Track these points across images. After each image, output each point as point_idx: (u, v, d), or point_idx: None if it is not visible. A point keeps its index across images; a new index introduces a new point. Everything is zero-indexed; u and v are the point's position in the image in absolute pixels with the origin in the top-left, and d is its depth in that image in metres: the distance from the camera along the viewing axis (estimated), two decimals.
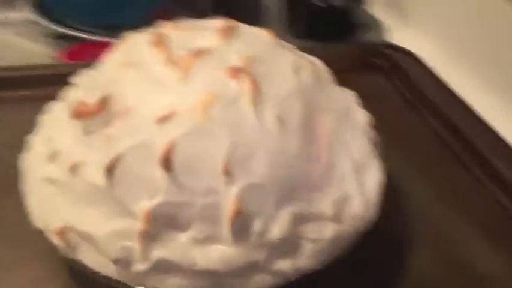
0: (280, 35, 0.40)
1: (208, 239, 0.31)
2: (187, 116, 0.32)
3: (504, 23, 0.54)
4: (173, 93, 0.33)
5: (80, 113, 0.34)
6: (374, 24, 0.69)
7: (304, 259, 0.32)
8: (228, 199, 0.31)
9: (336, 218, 0.33)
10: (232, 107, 0.32)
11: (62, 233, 0.33)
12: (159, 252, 0.31)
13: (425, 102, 0.54)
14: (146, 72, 0.34)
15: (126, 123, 0.32)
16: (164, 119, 0.32)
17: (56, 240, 0.33)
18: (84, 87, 0.38)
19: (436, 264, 0.39)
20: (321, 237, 0.33)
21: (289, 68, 0.36)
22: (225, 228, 0.31)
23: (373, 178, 0.36)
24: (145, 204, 0.31)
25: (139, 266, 0.31)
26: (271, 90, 0.34)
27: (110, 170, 0.31)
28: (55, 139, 0.36)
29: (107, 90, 0.34)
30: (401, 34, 0.66)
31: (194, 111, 0.32)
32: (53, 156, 0.35)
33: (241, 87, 0.33)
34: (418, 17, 0.67)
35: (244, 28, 0.39)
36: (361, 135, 0.38)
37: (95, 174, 0.32)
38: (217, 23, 0.39)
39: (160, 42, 0.36)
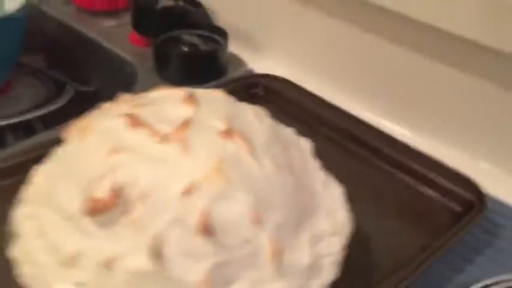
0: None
1: (257, 283, 0.35)
2: (207, 184, 0.35)
3: (344, 41, 0.67)
4: (183, 166, 0.36)
5: (96, 210, 0.34)
6: (236, 61, 0.77)
7: (326, 274, 0.38)
8: (264, 243, 0.35)
9: (334, 231, 0.40)
10: (239, 165, 0.37)
11: None
12: None
13: (309, 114, 0.63)
14: (143, 154, 0.36)
15: (151, 205, 0.34)
16: (188, 192, 0.34)
17: None
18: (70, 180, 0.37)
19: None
20: (333, 250, 0.39)
21: (254, 117, 0.42)
22: (268, 268, 0.35)
23: (337, 190, 0.44)
24: (199, 272, 0.33)
25: None
26: (255, 140, 0.39)
27: (156, 251, 0.33)
28: (62, 244, 0.35)
29: (110, 180, 0.35)
30: (260, 65, 0.75)
31: (211, 178, 0.35)
32: (70, 262, 0.35)
33: (237, 145, 0.37)
34: (271, 48, 0.77)
35: (199, 92, 0.43)
36: (312, 160, 0.45)
37: (139, 261, 0.33)
38: (172, 92, 0.42)
39: (136, 122, 0.38)
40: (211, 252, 0.34)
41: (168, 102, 0.41)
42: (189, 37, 0.73)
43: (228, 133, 0.38)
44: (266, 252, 0.35)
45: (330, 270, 0.38)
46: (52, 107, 0.77)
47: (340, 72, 0.71)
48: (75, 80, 0.84)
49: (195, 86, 0.67)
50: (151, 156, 0.36)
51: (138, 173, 0.35)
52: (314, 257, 0.38)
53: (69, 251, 0.35)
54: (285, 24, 0.75)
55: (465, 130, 0.61)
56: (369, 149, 0.58)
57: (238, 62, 0.76)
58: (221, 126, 0.38)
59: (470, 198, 0.51)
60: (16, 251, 0.37)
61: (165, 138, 0.37)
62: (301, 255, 0.37)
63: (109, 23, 0.86)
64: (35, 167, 0.41)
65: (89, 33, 0.83)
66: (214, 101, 0.42)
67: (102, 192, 0.35)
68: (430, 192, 0.54)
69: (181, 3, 0.78)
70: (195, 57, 0.70)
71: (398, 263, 0.44)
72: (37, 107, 0.76)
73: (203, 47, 0.71)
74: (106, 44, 0.80)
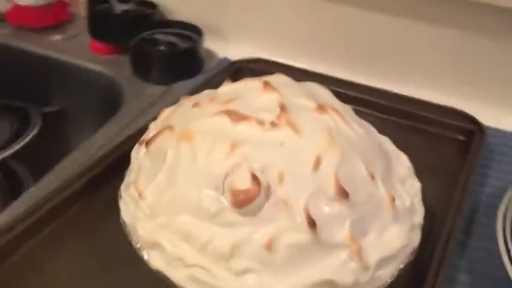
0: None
1: (383, 230, 0.41)
2: (328, 155, 0.39)
3: (305, 9, 0.73)
4: (302, 145, 0.40)
5: (245, 201, 0.37)
6: (207, 53, 0.79)
7: (419, 211, 0.45)
8: (383, 194, 0.41)
9: (409, 173, 0.47)
10: (341, 133, 0.42)
11: None
12: (374, 256, 0.39)
13: None
14: (262, 142, 0.40)
15: (290, 184, 0.38)
16: (317, 166, 0.39)
17: None
18: None
19: None
20: (416, 189, 0.46)
21: (323, 91, 0.47)
22: (387, 216, 0.41)
23: (389, 141, 0.50)
24: (344, 231, 0.38)
25: (365, 277, 0.38)
26: (340, 110, 0.44)
27: (310, 223, 0.37)
28: (213, 241, 0.38)
29: (245, 171, 0.38)
30: (231, 52, 0.78)
31: (329, 149, 0.40)
32: (230, 255, 0.37)
33: (332, 117, 0.42)
34: (237, 34, 0.80)
35: (269, 79, 0.46)
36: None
37: (297, 235, 0.37)
38: (246, 84, 0.45)
39: (239, 116, 0.41)
40: (348, 213, 0.39)
41: (250, 94, 0.44)
42: (163, 36, 0.74)
43: (322, 108, 0.42)
44: (385, 201, 0.41)
45: (420, 207, 0.45)
46: (23, 140, 0.73)
47: (309, 40, 0.77)
48: (37, 103, 0.79)
49: (177, 82, 0.71)
50: (270, 143, 0.40)
51: (267, 160, 0.39)
52: (410, 198, 0.44)
53: (226, 245, 0.37)
54: (244, 8, 0.79)
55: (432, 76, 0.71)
56: (373, 107, 0.65)
57: (210, 54, 0.78)
58: (312, 104, 0.43)
59: (470, 128, 0.61)
60: (159, 261, 0.39)
61: (274, 125, 0.40)
62: (404, 199, 0.43)
63: (55, 37, 0.83)
64: (141, 182, 0.42)
65: (41, 51, 0.79)
66: (285, 84, 0.46)
67: (243, 184, 0.37)
68: (435, 129, 0.63)
69: (136, 6, 0.78)
70: (176, 55, 0.71)
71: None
72: (6, 144, 0.72)
73: (182, 44, 0.73)
74: (66, 58, 0.78)
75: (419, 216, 0.44)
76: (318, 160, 0.39)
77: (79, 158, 0.57)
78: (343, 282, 0.37)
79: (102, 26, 0.77)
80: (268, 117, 0.41)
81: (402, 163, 0.47)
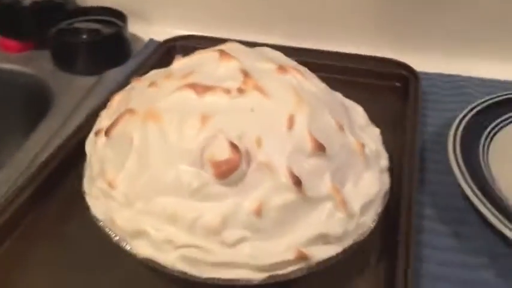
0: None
1: (358, 178, 0.42)
2: (299, 113, 0.40)
3: None
4: (272, 107, 0.40)
5: (227, 171, 0.36)
6: (133, 38, 0.76)
7: (384, 154, 0.46)
8: (352, 142, 0.42)
9: (366, 122, 0.48)
10: (305, 89, 0.42)
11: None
12: (356, 204, 0.40)
13: None
14: (232, 111, 0.39)
15: (269, 147, 0.38)
16: (291, 125, 0.39)
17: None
18: None
19: None
20: (377, 136, 0.47)
21: (276, 53, 0.47)
22: (359, 163, 0.42)
23: (339, 95, 0.52)
24: (326, 184, 0.39)
25: (352, 225, 0.39)
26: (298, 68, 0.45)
27: (296, 181, 0.37)
28: (202, 218, 0.37)
29: (222, 141, 0.37)
30: (155, 33, 0.76)
31: (299, 107, 0.40)
32: (221, 228, 0.36)
33: (294, 76, 0.43)
34: (156, 15, 0.77)
35: (223, 48, 0.45)
36: None
37: (285, 195, 0.37)
38: (202, 56, 0.44)
39: (203, 88, 0.40)
40: (326, 165, 0.39)
41: (207, 65, 0.43)
42: (84, 24, 0.69)
43: (283, 69, 0.42)
44: (356, 149, 0.42)
45: (384, 151, 0.47)
46: None
47: (230, 11, 0.76)
48: None
49: (107, 71, 0.67)
50: (240, 110, 0.39)
51: (241, 127, 0.38)
52: (374, 143, 0.46)
53: (216, 219, 0.36)
54: None
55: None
56: (312, 68, 0.66)
57: (135, 37, 0.75)
58: (272, 66, 0.43)
59: (405, 74, 0.64)
60: (146, 248, 0.37)
61: (240, 91, 0.40)
62: (370, 145, 0.44)
63: None
64: (109, 172, 0.40)
65: None
66: (239, 51, 0.45)
67: (223, 154, 0.37)
68: (373, 80, 0.65)
69: None
70: (102, 42, 0.68)
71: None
72: None
73: (106, 30, 0.69)
74: None
75: (385, 160, 0.46)
76: (290, 119, 0.39)
77: (15, 169, 0.53)
78: (334, 233, 0.38)
79: (11, 21, 0.70)
80: (233, 84, 0.40)
81: (359, 113, 0.49)
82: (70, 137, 0.52)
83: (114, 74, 0.68)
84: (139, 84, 0.44)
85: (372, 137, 0.46)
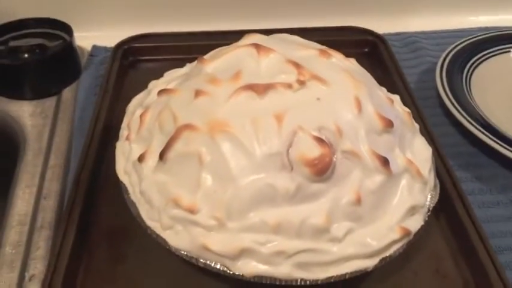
0: None
1: (410, 145, 0.43)
2: (360, 94, 0.39)
3: None
4: (336, 93, 0.39)
5: (324, 167, 0.35)
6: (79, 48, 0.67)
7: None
8: (401, 111, 0.43)
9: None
10: (351, 68, 0.41)
11: None
12: (424, 170, 0.41)
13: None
14: (301, 104, 0.38)
15: (348, 133, 0.37)
16: (359, 108, 0.38)
17: None
18: None
19: None
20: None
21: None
22: (410, 129, 0.43)
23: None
24: (401, 158, 0.39)
25: (427, 190, 0.40)
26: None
27: (384, 161, 0.37)
28: (307, 218, 0.35)
29: (307, 137, 0.36)
30: (99, 40, 0.68)
31: (358, 88, 0.40)
32: (329, 223, 0.35)
33: (337, 57, 0.42)
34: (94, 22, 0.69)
35: (250, 40, 0.43)
36: None
37: (376, 179, 0.37)
38: (233, 54, 0.41)
39: (262, 88, 0.38)
40: (393, 139, 0.40)
41: (246, 62, 0.40)
42: (23, 41, 0.60)
43: (324, 52, 0.41)
44: (405, 118, 0.43)
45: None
46: None
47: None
48: None
49: (63, 89, 0.60)
50: (308, 102, 0.38)
51: (316, 118, 0.37)
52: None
53: (322, 218, 0.35)
54: None
55: None
56: None
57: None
58: (312, 51, 0.41)
59: (372, 40, 0.66)
60: (254, 266, 0.35)
61: (301, 83, 0.38)
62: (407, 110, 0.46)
63: None
64: (183, 197, 0.36)
65: None
66: (267, 41, 0.43)
67: (312, 150, 0.35)
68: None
69: None
70: (52, 57, 0.59)
71: None
72: None
73: (51, 44, 0.61)
74: None
75: (416, 124, 0.47)
76: (357, 102, 0.38)
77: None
78: (420, 203, 0.39)
79: None
80: (290, 77, 0.38)
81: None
82: (78, 175, 0.46)
83: (72, 92, 0.60)
84: (175, 95, 0.40)
85: (399, 102, 0.48)
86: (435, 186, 0.42)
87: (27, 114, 0.57)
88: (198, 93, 0.38)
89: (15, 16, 0.64)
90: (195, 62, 0.45)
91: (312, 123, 0.36)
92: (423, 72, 0.66)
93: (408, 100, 0.54)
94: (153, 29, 0.67)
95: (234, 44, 0.44)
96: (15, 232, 0.44)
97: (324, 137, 0.36)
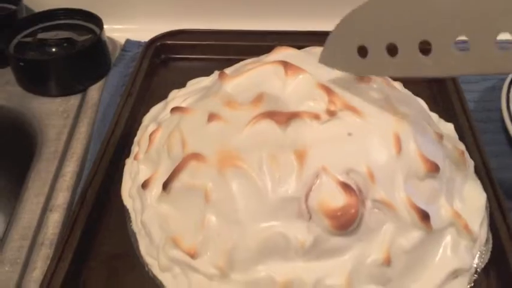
0: None
1: (460, 190, 0.36)
2: (402, 130, 0.33)
3: None
4: (372, 128, 0.33)
5: (349, 220, 0.30)
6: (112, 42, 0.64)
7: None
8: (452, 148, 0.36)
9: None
10: (394, 97, 0.35)
11: None
12: (475, 223, 0.34)
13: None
14: (331, 138, 0.32)
15: (383, 177, 0.31)
16: (398, 147, 0.32)
17: None
18: None
19: None
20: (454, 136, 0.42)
21: None
22: (461, 171, 0.37)
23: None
24: (446, 208, 0.33)
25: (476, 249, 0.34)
26: None
27: (424, 215, 0.31)
28: (323, 277, 0.30)
29: (335, 183, 0.30)
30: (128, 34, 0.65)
31: (400, 123, 0.33)
32: (349, 285, 0.30)
33: (378, 83, 0.36)
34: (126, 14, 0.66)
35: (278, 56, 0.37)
36: None
37: (412, 236, 0.31)
38: (258, 72, 0.36)
39: (285, 117, 0.32)
40: (439, 186, 0.34)
41: (271, 83, 0.35)
42: (51, 33, 0.57)
43: (361, 77, 0.35)
44: (457, 158, 0.37)
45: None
46: None
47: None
48: None
49: (89, 86, 0.57)
50: (337, 137, 0.32)
51: (345, 159, 0.31)
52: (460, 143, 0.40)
53: (341, 279, 0.30)
54: None
55: None
56: None
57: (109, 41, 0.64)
58: (347, 75, 0.35)
59: None
60: None
61: (331, 113, 0.32)
62: (460, 147, 0.39)
63: None
64: (184, 238, 0.31)
65: None
66: (298, 58, 0.37)
67: (336, 199, 0.30)
68: None
69: None
70: (81, 52, 0.56)
71: None
72: None
73: (80, 38, 0.57)
74: None
75: (472, 161, 0.40)
76: (397, 140, 0.32)
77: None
78: (465, 266, 0.33)
79: None
80: (319, 106, 0.33)
81: (425, 108, 0.43)
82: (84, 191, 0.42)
83: (98, 91, 0.57)
84: (187, 116, 0.35)
85: (452, 134, 0.41)
86: (487, 241, 0.35)
87: (48, 112, 0.54)
88: (211, 117, 0.33)
89: (45, 6, 0.61)
90: (217, 75, 0.40)
91: (338, 164, 0.31)
92: (487, 89, 0.58)
93: (465, 124, 0.47)
94: (190, 25, 0.62)
95: (262, 59, 0.38)
96: (15, 247, 0.41)
97: (351, 183, 0.30)
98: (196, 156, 0.32)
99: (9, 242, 0.41)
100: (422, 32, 0.28)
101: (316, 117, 0.32)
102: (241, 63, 0.41)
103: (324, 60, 0.34)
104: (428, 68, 0.28)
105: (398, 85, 0.38)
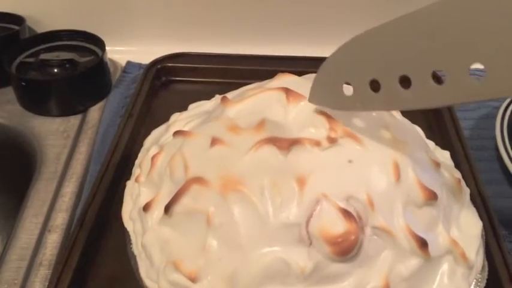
0: None
1: (457, 218, 0.37)
2: (401, 158, 0.33)
3: None
4: (372, 156, 0.33)
5: (349, 247, 0.30)
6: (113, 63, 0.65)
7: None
8: (450, 176, 0.37)
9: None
10: (393, 124, 0.36)
11: None
12: (471, 252, 0.35)
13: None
14: (329, 166, 0.33)
15: (381, 205, 0.32)
16: (397, 176, 0.33)
17: None
18: None
19: None
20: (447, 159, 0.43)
21: None
22: (458, 200, 0.37)
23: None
24: (443, 236, 0.33)
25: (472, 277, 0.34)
26: None
27: (422, 242, 0.31)
28: None
29: (332, 209, 0.31)
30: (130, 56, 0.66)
31: (401, 150, 0.34)
32: None
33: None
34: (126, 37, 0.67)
35: (279, 83, 0.38)
36: None
37: (410, 263, 0.31)
38: (259, 98, 0.36)
39: (286, 143, 0.33)
40: (437, 214, 0.34)
41: (273, 110, 0.35)
42: (53, 54, 0.58)
43: None
44: (454, 186, 0.37)
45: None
46: None
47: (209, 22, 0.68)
48: None
49: (90, 107, 0.57)
50: (337, 164, 0.32)
51: (345, 185, 0.32)
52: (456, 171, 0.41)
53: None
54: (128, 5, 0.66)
55: None
56: None
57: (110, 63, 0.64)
58: None
59: None
60: None
61: (331, 141, 0.33)
62: (456, 175, 0.40)
63: None
64: (188, 259, 0.31)
65: None
66: (300, 86, 0.37)
67: (336, 225, 0.30)
68: None
69: None
70: (84, 73, 0.56)
71: None
72: None
73: (82, 59, 0.58)
74: None
75: (467, 188, 0.41)
76: (396, 168, 0.33)
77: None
78: None
79: None
80: (319, 132, 0.33)
81: (422, 135, 0.44)
82: (84, 213, 0.42)
83: (99, 111, 0.57)
84: (190, 140, 0.36)
85: (448, 162, 0.42)
86: (483, 268, 0.36)
87: (49, 132, 0.54)
88: (214, 141, 0.34)
89: (47, 27, 0.62)
90: (220, 100, 0.40)
91: (339, 191, 0.31)
92: (482, 117, 0.59)
93: (460, 152, 0.48)
94: (191, 48, 0.63)
95: (264, 85, 0.39)
96: (12, 268, 0.41)
97: (351, 209, 0.31)
98: (198, 180, 0.33)
99: (7, 262, 0.41)
100: (401, 67, 0.29)
101: (317, 144, 0.33)
102: (243, 88, 0.41)
103: (313, 99, 0.35)
104: (410, 101, 0.29)
105: (396, 113, 0.39)
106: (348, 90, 0.32)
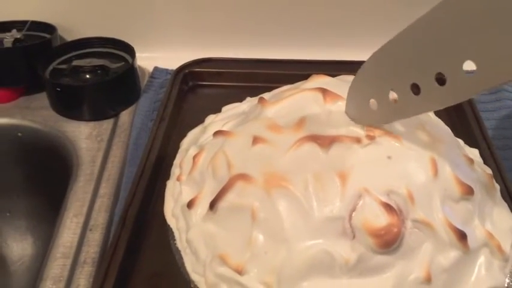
0: None
1: (491, 212, 0.38)
2: (437, 154, 0.35)
3: None
4: (410, 153, 0.35)
5: (392, 239, 0.31)
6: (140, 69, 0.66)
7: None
8: (482, 172, 0.38)
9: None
10: (429, 122, 0.37)
11: None
12: (506, 244, 0.36)
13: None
14: (370, 162, 0.34)
15: (422, 198, 0.33)
16: (435, 170, 0.34)
17: None
18: None
19: None
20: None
21: None
22: (491, 195, 0.38)
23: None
24: (480, 229, 0.34)
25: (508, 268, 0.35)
26: None
27: (461, 235, 0.32)
28: None
29: (373, 203, 0.32)
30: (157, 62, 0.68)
31: (436, 146, 0.35)
32: None
33: None
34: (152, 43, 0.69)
35: (314, 83, 0.39)
36: None
37: (450, 255, 0.32)
38: (295, 99, 0.38)
39: (327, 140, 0.34)
40: (473, 208, 0.35)
41: (311, 108, 0.37)
42: (86, 60, 0.60)
43: None
44: (487, 181, 0.38)
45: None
46: None
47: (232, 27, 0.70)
48: None
49: (121, 112, 0.59)
50: (377, 160, 0.34)
51: (385, 181, 0.33)
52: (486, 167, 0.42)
53: None
54: (155, 10, 0.68)
55: None
56: None
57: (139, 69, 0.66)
58: None
59: None
60: None
61: (370, 138, 0.34)
62: (488, 170, 0.41)
63: None
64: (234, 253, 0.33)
65: None
66: (336, 86, 0.39)
67: (378, 218, 0.31)
68: None
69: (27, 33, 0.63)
70: (115, 79, 0.58)
71: None
72: None
73: (113, 65, 0.60)
74: None
75: (497, 184, 0.42)
76: (433, 164, 0.34)
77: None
78: (500, 285, 0.34)
79: None
80: (358, 130, 0.35)
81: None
82: (125, 211, 0.43)
83: (130, 115, 0.59)
84: (231, 139, 0.37)
85: (477, 160, 0.43)
86: None
87: (83, 136, 0.56)
88: (256, 140, 0.35)
89: (77, 35, 0.64)
90: (255, 100, 0.42)
91: (380, 185, 0.32)
92: (504, 118, 0.60)
93: (486, 152, 0.49)
94: (216, 53, 0.65)
95: (299, 86, 0.40)
96: (57, 265, 0.42)
97: (392, 203, 0.32)
98: (243, 176, 0.34)
99: (52, 260, 0.43)
100: (436, 65, 0.29)
101: (357, 141, 0.34)
102: (278, 90, 0.43)
103: (348, 111, 0.36)
104: (447, 97, 0.30)
105: (430, 112, 0.40)
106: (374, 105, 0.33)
